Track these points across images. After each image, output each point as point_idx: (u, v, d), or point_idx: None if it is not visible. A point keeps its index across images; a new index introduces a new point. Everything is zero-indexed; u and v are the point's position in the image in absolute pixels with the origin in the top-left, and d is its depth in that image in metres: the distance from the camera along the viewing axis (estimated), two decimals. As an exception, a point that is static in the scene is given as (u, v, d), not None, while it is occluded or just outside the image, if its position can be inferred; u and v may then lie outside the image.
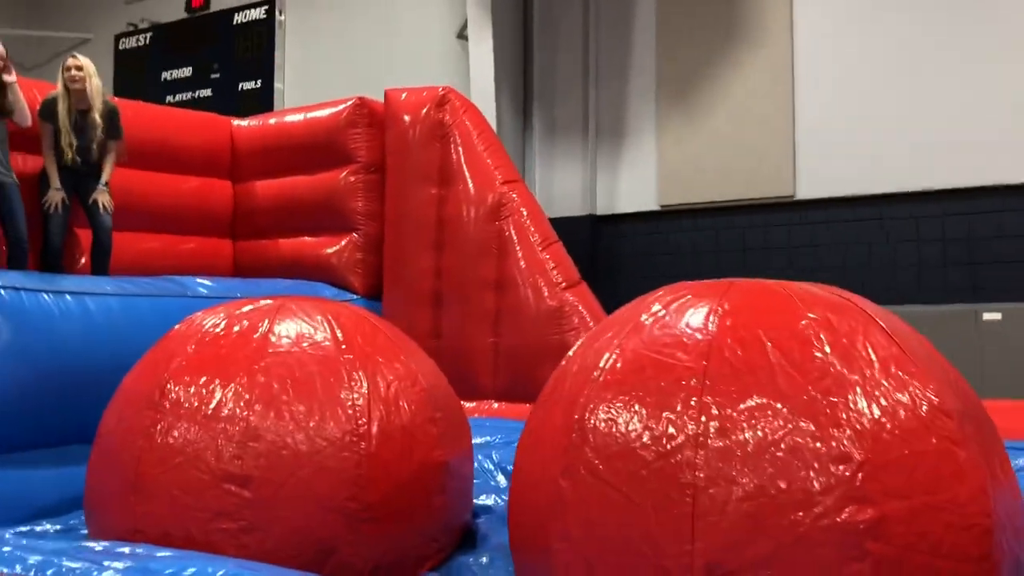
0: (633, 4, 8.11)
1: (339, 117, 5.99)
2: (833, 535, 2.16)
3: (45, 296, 4.04)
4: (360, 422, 3.13)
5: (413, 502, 3.22)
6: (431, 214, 5.72)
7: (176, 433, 3.04)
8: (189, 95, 10.32)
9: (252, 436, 3.00)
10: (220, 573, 2.31)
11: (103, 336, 4.07)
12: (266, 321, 3.31)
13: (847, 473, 2.19)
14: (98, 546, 2.46)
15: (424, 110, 5.78)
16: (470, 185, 5.67)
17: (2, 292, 3.90)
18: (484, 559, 3.34)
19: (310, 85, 9.46)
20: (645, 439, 2.36)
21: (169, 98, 10.39)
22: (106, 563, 2.32)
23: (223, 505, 2.96)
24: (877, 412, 2.29)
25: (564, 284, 5.55)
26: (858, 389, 2.32)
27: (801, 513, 2.18)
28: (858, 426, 2.25)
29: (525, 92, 8.57)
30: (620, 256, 8.14)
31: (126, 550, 2.60)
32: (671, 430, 2.32)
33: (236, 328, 3.30)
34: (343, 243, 5.99)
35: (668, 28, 7.89)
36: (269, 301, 3.48)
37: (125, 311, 4.32)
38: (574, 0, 8.33)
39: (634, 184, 8.10)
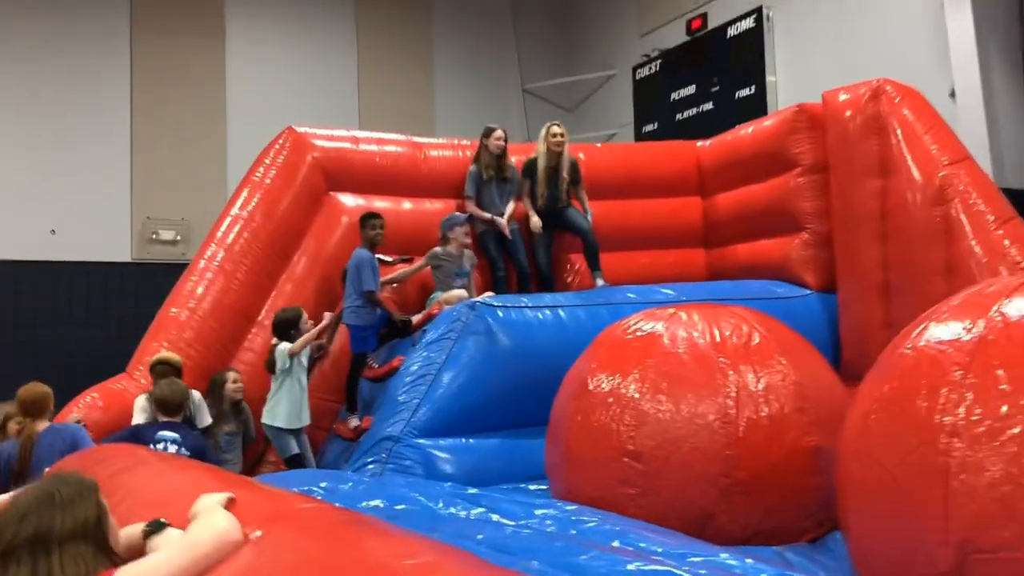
0: None
1: (782, 125, 6.43)
2: (1083, 524, 2.22)
3: (528, 311, 5.35)
4: (730, 411, 3.72)
5: (784, 480, 3.70)
6: (875, 206, 5.81)
7: (591, 417, 3.97)
8: (694, 111, 11.31)
9: (641, 420, 3.81)
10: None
11: (571, 339, 5.17)
12: (660, 325, 4.07)
13: (1101, 465, 2.22)
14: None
15: (860, 105, 5.91)
16: (913, 171, 5.64)
17: (499, 311, 5.30)
18: (855, 535, 3.63)
19: (801, 83, 9.75)
20: (911, 426, 2.61)
21: (678, 116, 11.52)
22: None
23: (624, 474, 3.81)
24: None
25: (1025, 263, 5.24)
26: None
27: (1049, 501, 2.27)
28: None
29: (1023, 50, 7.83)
30: None
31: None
32: (931, 419, 2.55)
33: (637, 332, 4.12)
34: (794, 242, 6.39)
35: None
36: (671, 311, 4.23)
37: (590, 318, 5.43)
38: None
39: None
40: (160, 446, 4.37)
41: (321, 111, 10.85)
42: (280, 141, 6.31)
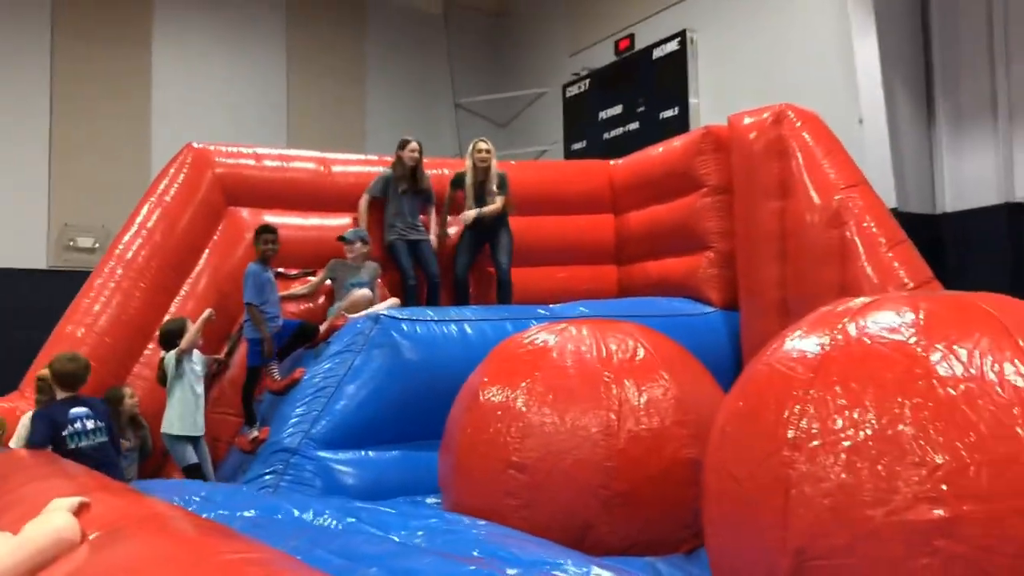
0: (1041, -37, 7.29)
1: (689, 147, 6.61)
2: (902, 531, 2.34)
3: (433, 325, 5.39)
4: (612, 424, 3.81)
5: (663, 492, 3.80)
6: (774, 226, 6.00)
7: (481, 429, 4.03)
8: (620, 130, 11.48)
9: (527, 432, 3.88)
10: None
11: (475, 353, 5.23)
12: (552, 338, 4.15)
13: (921, 475, 2.34)
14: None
15: (763, 129, 6.11)
16: (811, 194, 5.84)
17: (404, 324, 5.33)
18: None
19: (722, 105, 9.95)
20: (759, 439, 2.71)
21: (606, 135, 11.70)
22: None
23: (509, 486, 3.87)
24: (971, 418, 2.36)
25: (913, 284, 5.45)
26: (957, 401, 2.40)
27: (873, 510, 2.39)
28: (940, 428, 2.36)
29: (927, 79, 8.15)
30: (1045, 244, 7.32)
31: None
32: (777, 432, 2.65)
33: (529, 346, 4.20)
34: (700, 261, 6.56)
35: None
36: (563, 325, 4.31)
37: (496, 333, 5.49)
38: (973, -27, 7.73)
39: (1056, 163, 7.25)
40: (77, 425, 4.39)
41: (249, 123, 10.78)
42: (181, 157, 6.29)
